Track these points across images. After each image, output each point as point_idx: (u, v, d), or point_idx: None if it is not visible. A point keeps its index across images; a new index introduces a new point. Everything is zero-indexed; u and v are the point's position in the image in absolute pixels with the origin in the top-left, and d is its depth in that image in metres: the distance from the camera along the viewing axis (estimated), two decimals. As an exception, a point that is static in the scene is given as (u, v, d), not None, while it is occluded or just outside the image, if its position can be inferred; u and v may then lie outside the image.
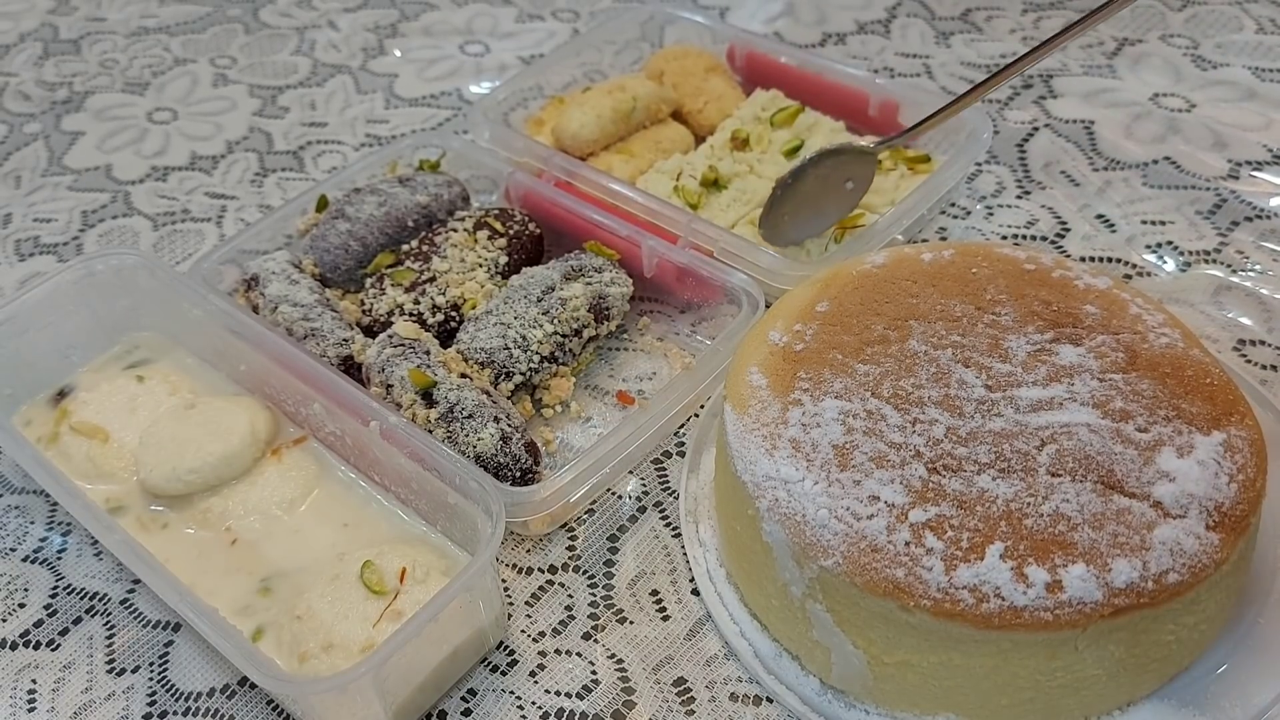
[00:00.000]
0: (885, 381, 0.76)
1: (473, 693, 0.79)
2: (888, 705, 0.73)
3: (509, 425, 0.88)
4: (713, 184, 1.09)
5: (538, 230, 1.07)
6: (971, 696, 0.70)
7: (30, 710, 0.80)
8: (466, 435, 0.86)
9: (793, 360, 0.79)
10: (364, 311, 1.00)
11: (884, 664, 0.70)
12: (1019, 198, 1.15)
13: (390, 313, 0.99)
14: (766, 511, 0.72)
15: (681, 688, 0.78)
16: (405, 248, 1.05)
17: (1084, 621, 0.65)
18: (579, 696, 0.78)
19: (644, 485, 0.91)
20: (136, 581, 0.88)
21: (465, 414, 0.87)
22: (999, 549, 0.66)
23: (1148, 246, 1.08)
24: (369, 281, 1.03)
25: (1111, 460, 0.69)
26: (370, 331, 0.99)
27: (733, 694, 0.77)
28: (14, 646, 0.84)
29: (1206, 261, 1.06)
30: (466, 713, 0.78)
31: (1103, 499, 0.68)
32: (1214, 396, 0.73)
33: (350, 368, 0.95)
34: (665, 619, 0.82)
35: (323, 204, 1.10)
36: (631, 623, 0.82)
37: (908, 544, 0.67)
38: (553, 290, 0.97)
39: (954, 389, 0.75)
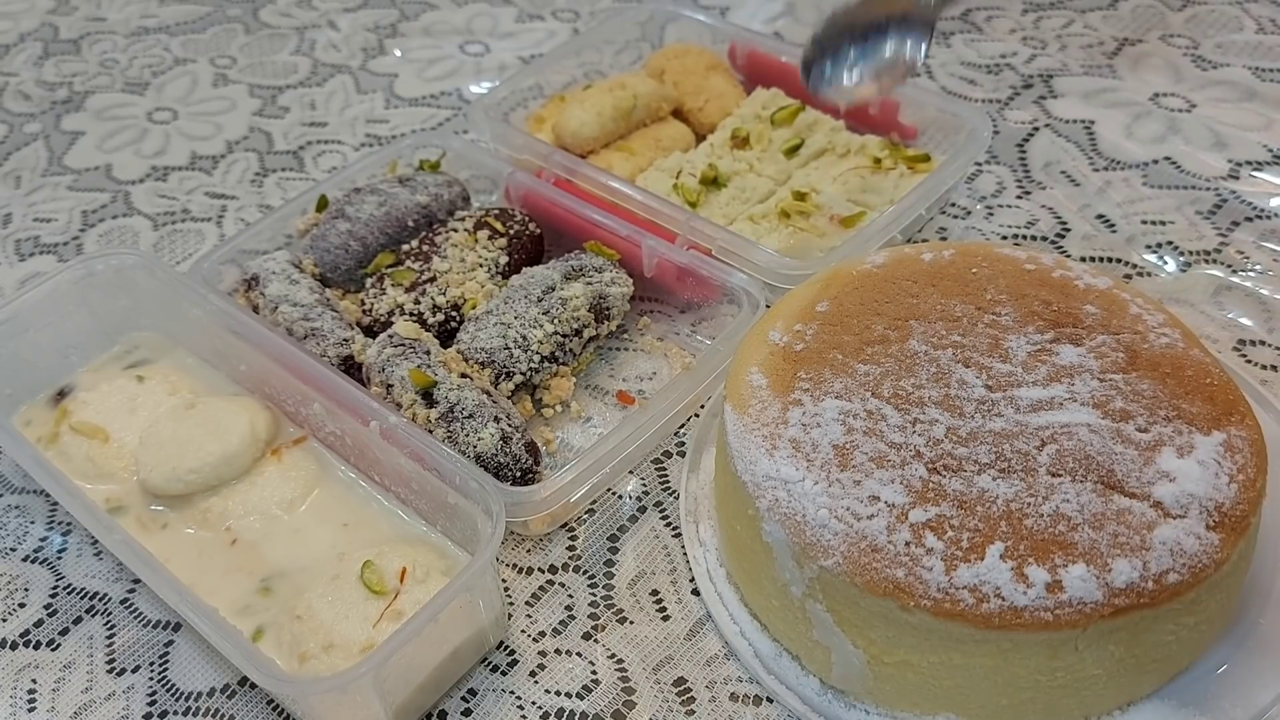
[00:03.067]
0: (885, 381, 0.76)
1: (473, 693, 0.79)
2: (888, 705, 0.73)
3: (509, 425, 0.88)
4: (712, 182, 1.09)
5: (538, 230, 1.07)
6: (971, 696, 0.70)
7: (30, 710, 0.80)
8: (467, 435, 0.86)
9: (793, 360, 0.79)
10: (364, 311, 1.00)
11: (884, 664, 0.70)
12: (1019, 198, 1.15)
13: (390, 313, 0.99)
14: (766, 511, 0.72)
15: (681, 688, 0.78)
16: (405, 248, 1.05)
17: (1084, 621, 0.65)
18: (579, 696, 0.78)
19: (644, 485, 0.91)
20: (136, 581, 0.88)
21: (465, 414, 0.87)
22: (999, 549, 0.66)
23: (1148, 246, 1.08)
24: (369, 281, 1.03)
25: (1111, 460, 0.69)
26: (370, 331, 0.99)
27: (733, 694, 0.77)
28: (14, 646, 0.84)
29: (1206, 261, 1.06)
30: (467, 713, 0.78)
31: (1103, 499, 0.68)
32: (1214, 396, 0.73)
33: (350, 368, 0.95)
34: (665, 619, 0.82)
35: (323, 204, 1.10)
36: (631, 623, 0.82)
37: (908, 544, 0.67)
38: (553, 290, 0.97)
39: (954, 389, 0.75)
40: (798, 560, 0.71)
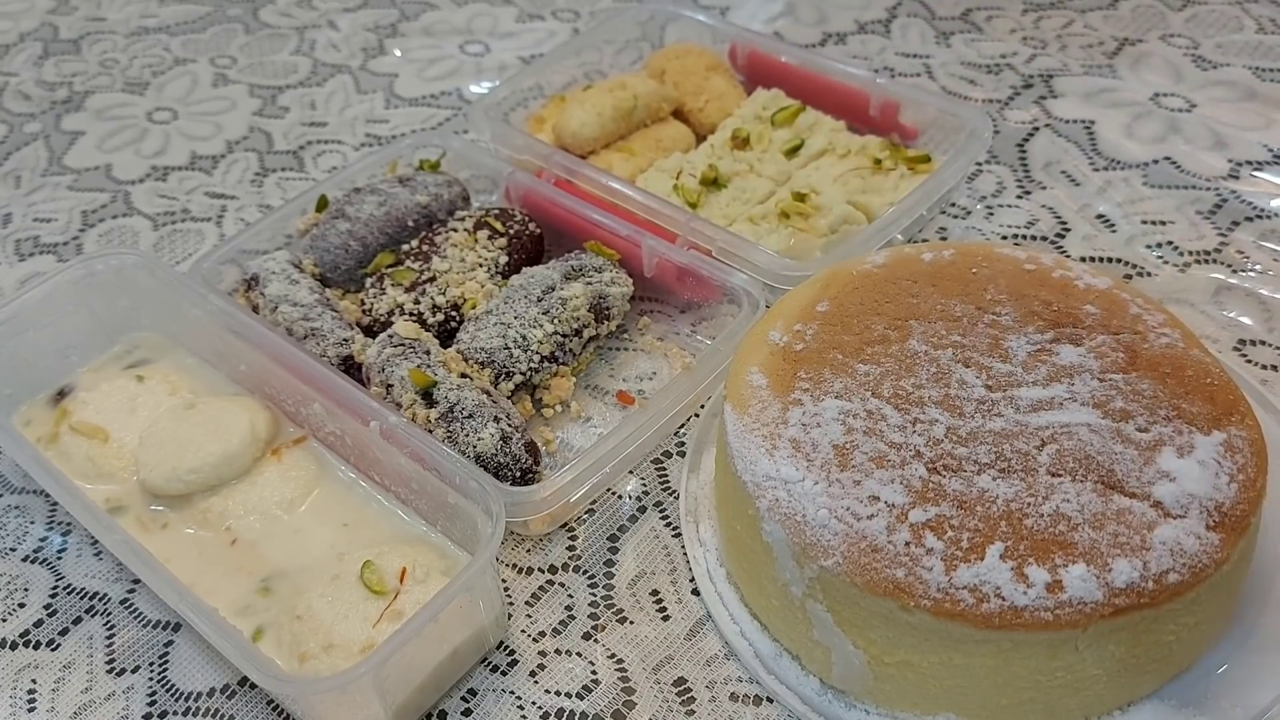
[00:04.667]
0: (885, 381, 0.76)
1: (473, 693, 0.79)
2: (888, 705, 0.73)
3: (509, 425, 0.88)
4: (712, 183, 1.09)
5: (538, 230, 1.06)
6: (972, 696, 0.69)
7: (30, 710, 0.80)
8: (466, 435, 0.86)
9: (793, 360, 0.79)
10: (364, 311, 1.00)
11: (884, 664, 0.70)
12: (1019, 197, 1.15)
13: (390, 313, 0.99)
14: (766, 511, 0.72)
15: (681, 688, 0.78)
16: (405, 248, 1.05)
17: (1084, 621, 0.65)
18: (579, 696, 0.78)
19: (644, 485, 0.91)
20: (136, 581, 0.88)
21: (465, 414, 0.87)
22: (999, 549, 0.66)
23: (1147, 246, 1.08)
24: (369, 281, 1.03)
25: (1112, 460, 0.69)
26: (370, 331, 0.99)
27: (733, 694, 0.77)
28: (14, 646, 0.84)
29: (1206, 261, 1.06)
30: (467, 713, 0.78)
31: (1103, 499, 0.68)
32: (1214, 396, 0.73)
33: (350, 368, 0.95)
34: (665, 619, 0.82)
35: (323, 204, 1.10)
36: (631, 623, 0.82)
37: (908, 544, 0.67)
38: (553, 290, 0.96)
39: (954, 389, 0.75)
40: (798, 560, 0.71)
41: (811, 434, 0.73)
